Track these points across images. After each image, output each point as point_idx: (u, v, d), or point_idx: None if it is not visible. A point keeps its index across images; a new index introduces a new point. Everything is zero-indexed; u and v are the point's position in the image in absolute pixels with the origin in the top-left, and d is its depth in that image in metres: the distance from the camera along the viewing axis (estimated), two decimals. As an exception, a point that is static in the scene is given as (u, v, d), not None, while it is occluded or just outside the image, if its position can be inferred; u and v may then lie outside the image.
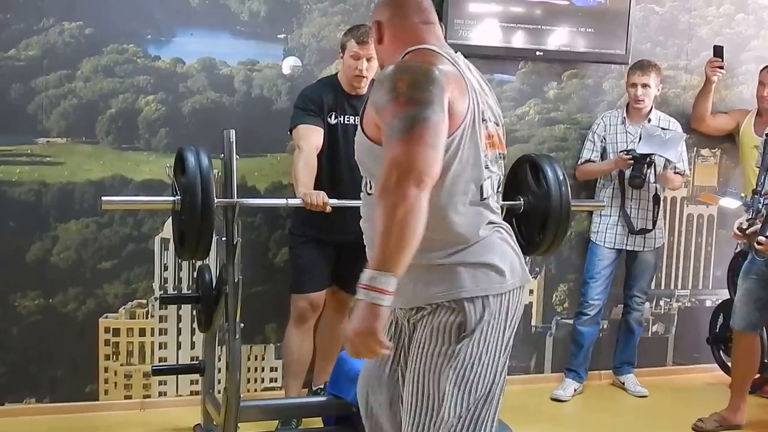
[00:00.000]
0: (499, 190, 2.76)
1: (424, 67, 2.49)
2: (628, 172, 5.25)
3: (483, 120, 2.60)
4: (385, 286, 2.29)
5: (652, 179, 5.32)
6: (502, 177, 2.76)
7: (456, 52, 2.69)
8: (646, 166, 5.19)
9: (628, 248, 5.45)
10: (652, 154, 5.18)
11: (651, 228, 5.39)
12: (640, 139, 5.25)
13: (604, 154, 5.43)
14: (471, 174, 2.57)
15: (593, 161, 5.43)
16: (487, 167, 2.60)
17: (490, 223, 2.66)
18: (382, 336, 2.33)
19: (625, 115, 5.40)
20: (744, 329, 4.78)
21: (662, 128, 5.33)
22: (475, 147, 2.56)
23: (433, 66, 2.50)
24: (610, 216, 5.41)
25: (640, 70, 5.28)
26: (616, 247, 5.44)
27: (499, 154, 2.72)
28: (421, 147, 2.32)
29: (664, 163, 5.33)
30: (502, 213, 4.08)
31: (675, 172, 5.37)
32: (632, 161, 5.17)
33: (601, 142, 5.42)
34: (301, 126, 4.40)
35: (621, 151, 5.24)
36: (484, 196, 2.61)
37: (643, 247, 5.44)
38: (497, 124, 2.72)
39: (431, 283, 2.61)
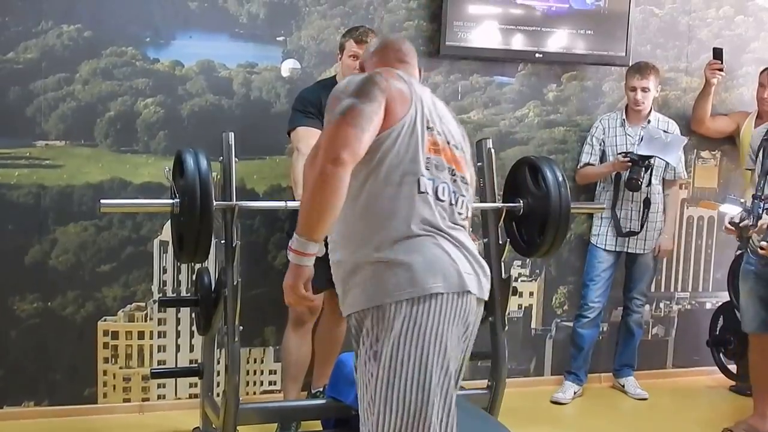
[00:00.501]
0: (460, 210, 2.86)
1: (371, 75, 2.78)
2: (625, 175, 5.25)
3: (428, 128, 2.78)
4: (306, 249, 2.67)
5: (647, 182, 5.31)
6: (464, 198, 2.89)
7: (424, 88, 2.96)
8: (643, 169, 5.18)
9: (629, 251, 5.44)
10: (651, 156, 5.17)
11: (638, 230, 5.37)
12: (641, 140, 5.24)
13: (603, 157, 5.41)
14: (408, 167, 2.71)
15: (592, 164, 5.41)
16: (428, 169, 2.74)
17: (430, 225, 2.73)
18: (303, 290, 2.76)
19: (624, 117, 5.39)
20: (756, 330, 4.73)
21: (664, 131, 5.32)
22: (414, 145, 2.73)
23: (380, 75, 2.77)
24: (611, 218, 5.40)
25: (639, 74, 5.27)
26: (616, 250, 5.43)
27: (453, 170, 2.85)
28: (348, 127, 2.59)
29: (664, 166, 5.33)
30: (500, 218, 4.09)
31: (673, 179, 5.39)
32: (630, 163, 5.16)
33: (600, 145, 5.41)
34: (299, 128, 4.40)
35: (619, 153, 5.23)
36: (422, 190, 2.72)
37: (644, 249, 5.43)
38: (456, 147, 2.90)
39: (359, 287, 2.78)
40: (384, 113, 2.68)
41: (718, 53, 5.56)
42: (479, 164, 4.35)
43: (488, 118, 5.43)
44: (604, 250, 5.44)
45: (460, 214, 2.84)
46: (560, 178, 4.10)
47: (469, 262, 2.80)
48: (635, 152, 5.18)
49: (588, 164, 5.43)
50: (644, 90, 5.27)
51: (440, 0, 5.12)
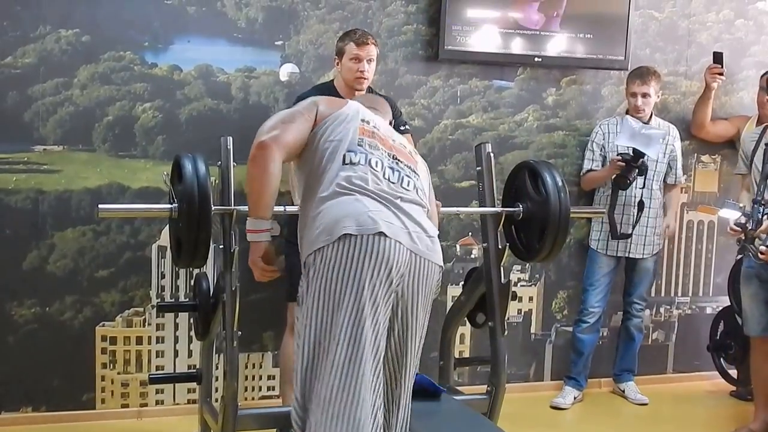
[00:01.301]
0: (406, 186, 3.18)
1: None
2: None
3: (363, 120, 3.19)
4: (257, 227, 3.16)
5: (641, 184, 5.29)
6: (411, 179, 3.22)
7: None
8: (636, 170, 5.14)
9: (630, 255, 5.42)
10: (644, 156, 5.11)
11: (630, 233, 5.34)
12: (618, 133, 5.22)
13: (605, 162, 5.39)
14: (337, 145, 3.09)
15: (595, 170, 5.39)
16: (360, 145, 3.11)
17: (351, 184, 3.02)
18: (263, 263, 3.27)
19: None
20: (761, 333, 4.71)
21: (644, 123, 5.28)
22: (346, 129, 3.12)
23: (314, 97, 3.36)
24: (610, 216, 5.37)
25: (640, 79, 5.25)
26: (616, 255, 5.42)
27: (393, 156, 3.22)
28: (274, 121, 3.14)
29: (666, 171, 5.32)
30: (500, 222, 4.09)
31: (674, 183, 5.38)
32: (623, 163, 5.13)
33: (601, 150, 5.39)
34: None
35: (615, 159, 5.20)
36: (346, 162, 3.06)
37: (643, 254, 5.41)
38: (403, 145, 3.33)
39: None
40: (316, 111, 3.17)
41: (718, 57, 5.55)
42: (478, 168, 4.34)
43: (487, 123, 5.42)
44: (605, 255, 5.42)
45: (406, 189, 3.14)
46: (560, 183, 4.08)
47: (397, 217, 3.01)
48: (622, 146, 5.18)
49: (591, 170, 5.40)
50: (645, 96, 5.25)
51: (439, 4, 5.11)
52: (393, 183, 3.11)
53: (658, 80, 5.31)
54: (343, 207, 2.96)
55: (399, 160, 3.20)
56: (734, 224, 4.44)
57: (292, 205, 4.25)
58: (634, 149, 5.06)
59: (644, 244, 5.39)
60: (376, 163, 3.10)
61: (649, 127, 5.23)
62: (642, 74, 5.27)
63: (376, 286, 2.90)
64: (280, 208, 4.05)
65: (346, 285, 2.88)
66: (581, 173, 5.48)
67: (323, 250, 2.91)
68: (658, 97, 5.37)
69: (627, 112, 5.37)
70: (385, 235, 2.91)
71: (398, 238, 2.94)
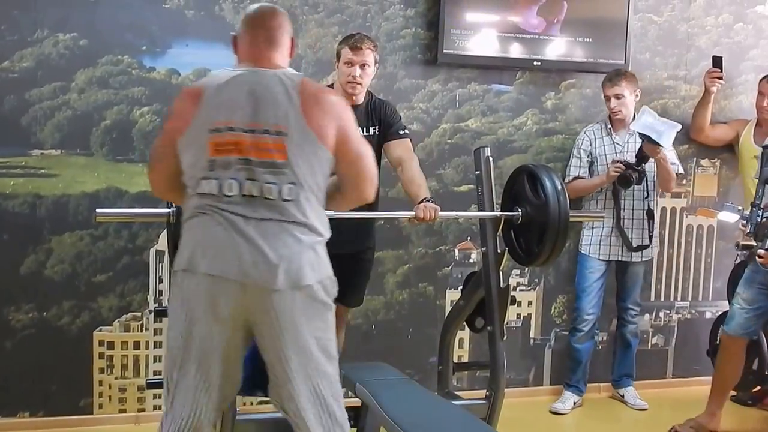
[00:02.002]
0: (268, 195, 2.98)
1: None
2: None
3: (212, 131, 2.97)
4: None
5: (645, 194, 5.29)
6: (272, 185, 2.98)
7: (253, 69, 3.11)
8: (637, 174, 5.12)
9: (623, 259, 5.40)
10: (645, 161, 5.10)
11: (648, 244, 5.34)
12: (634, 120, 5.16)
13: (591, 168, 5.37)
14: (192, 173, 3.02)
15: (582, 177, 5.36)
16: (213, 170, 2.97)
17: (201, 213, 3.00)
18: None
19: (610, 126, 5.36)
20: (740, 335, 4.74)
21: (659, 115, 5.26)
22: (194, 155, 3.00)
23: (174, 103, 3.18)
24: (603, 227, 5.36)
25: (610, 82, 5.24)
26: (608, 259, 5.40)
27: (248, 161, 2.97)
28: (150, 162, 3.30)
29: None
30: (499, 227, 4.08)
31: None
32: (624, 166, 5.10)
33: (588, 156, 5.37)
34: None
35: (615, 161, 5.19)
36: (199, 191, 3.00)
37: (639, 257, 5.40)
38: (266, 132, 2.99)
39: None
40: (170, 137, 3.06)
41: (717, 61, 5.54)
42: (477, 173, 4.33)
43: (486, 127, 5.41)
44: (597, 259, 5.40)
45: (267, 198, 2.96)
46: (559, 187, 4.07)
47: (236, 248, 2.94)
48: (632, 129, 5.15)
49: (578, 177, 5.36)
50: (618, 97, 5.23)
51: (437, 8, 5.11)
52: (250, 199, 2.98)
53: (632, 81, 5.27)
54: (191, 236, 3.03)
55: (258, 165, 2.98)
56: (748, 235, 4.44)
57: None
58: (645, 137, 5.01)
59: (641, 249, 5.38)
60: (229, 186, 2.97)
61: (665, 120, 5.17)
62: (612, 77, 5.24)
63: (202, 322, 2.99)
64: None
65: (178, 315, 3.06)
66: (566, 180, 5.35)
67: (176, 273, 3.08)
68: (637, 96, 5.33)
69: (609, 117, 5.34)
70: (211, 275, 2.95)
71: (226, 273, 2.93)
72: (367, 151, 3.15)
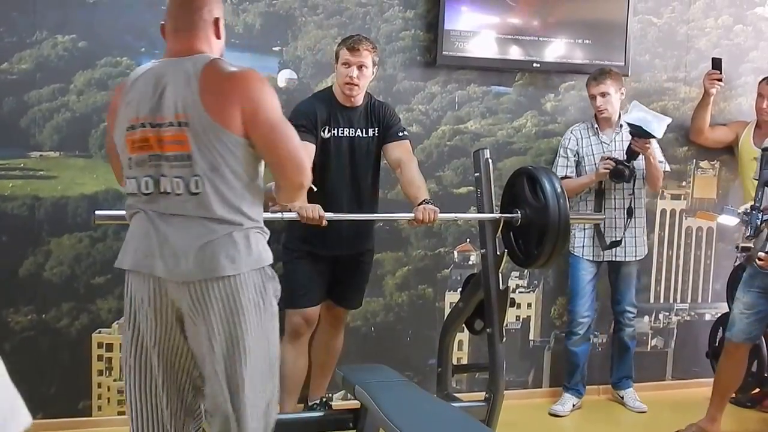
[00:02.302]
0: (177, 191, 2.89)
1: None
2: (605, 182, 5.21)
3: (128, 128, 2.92)
4: None
5: (630, 190, 5.27)
6: (179, 179, 2.88)
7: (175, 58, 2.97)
8: (627, 170, 5.11)
9: (617, 259, 5.38)
10: (635, 157, 5.09)
11: (619, 239, 5.30)
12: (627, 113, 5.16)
13: (578, 168, 5.36)
14: (122, 172, 3.01)
15: (569, 177, 5.32)
16: (131, 168, 2.95)
17: (134, 214, 2.99)
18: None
19: (597, 126, 5.34)
20: (744, 341, 4.73)
21: (613, 125, 5.29)
22: (122, 156, 2.98)
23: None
24: (593, 228, 5.35)
25: (595, 81, 5.21)
26: (603, 260, 5.39)
27: (156, 156, 2.90)
28: None
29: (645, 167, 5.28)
30: (498, 228, 4.08)
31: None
32: (614, 163, 5.09)
33: (575, 156, 5.35)
34: None
35: (604, 158, 5.17)
36: (128, 191, 2.98)
37: (624, 257, 5.38)
38: (170, 125, 2.87)
39: None
40: (109, 138, 3.08)
41: (716, 63, 5.54)
42: (476, 174, 4.33)
43: (486, 128, 5.41)
44: (589, 260, 5.38)
45: (177, 195, 2.88)
46: (558, 189, 4.08)
47: (154, 242, 2.90)
48: (624, 120, 5.15)
49: (565, 177, 5.29)
50: (603, 95, 5.21)
51: (437, 10, 5.10)
52: (164, 196, 2.91)
53: (617, 79, 5.23)
54: (127, 235, 3.03)
55: (166, 160, 2.89)
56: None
57: (290, 211, 4.24)
58: (637, 128, 5.00)
59: (634, 246, 5.37)
60: (145, 185, 2.92)
61: (656, 113, 5.15)
62: (596, 75, 5.22)
63: (145, 319, 2.97)
64: (278, 215, 4.05)
65: (125, 314, 3.07)
66: None
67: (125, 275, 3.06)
68: (622, 94, 5.30)
69: (595, 116, 5.33)
70: (134, 272, 2.96)
71: (150, 269, 2.91)
72: (285, 133, 2.93)
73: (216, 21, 3.01)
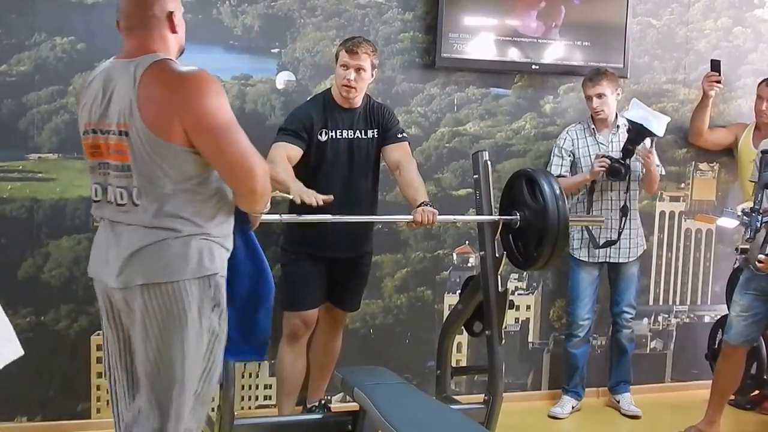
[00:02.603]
0: (120, 201, 2.85)
1: None
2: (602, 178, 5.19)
3: (84, 133, 2.89)
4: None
5: (624, 188, 5.25)
6: (122, 190, 2.84)
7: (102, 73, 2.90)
8: (623, 168, 5.09)
9: (611, 260, 5.36)
10: (630, 155, 5.08)
11: (616, 239, 5.28)
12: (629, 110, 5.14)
13: (573, 168, 5.34)
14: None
15: (564, 176, 5.29)
16: (92, 174, 2.93)
17: (99, 222, 3.00)
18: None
19: (593, 126, 5.32)
20: (741, 344, 4.74)
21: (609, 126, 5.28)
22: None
23: None
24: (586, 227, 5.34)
25: (590, 81, 5.18)
26: (598, 261, 5.36)
27: (105, 164, 2.87)
28: None
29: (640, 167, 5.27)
30: (497, 231, 4.09)
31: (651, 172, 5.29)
32: (609, 161, 5.07)
33: (569, 156, 5.34)
34: (274, 144, 4.36)
35: (599, 156, 5.12)
36: (93, 198, 2.96)
37: (628, 257, 5.35)
38: (115, 133, 2.79)
39: None
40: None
41: (715, 65, 5.54)
42: (475, 176, 4.34)
43: (484, 131, 5.40)
44: (588, 262, 5.37)
45: (120, 205, 2.84)
46: (557, 191, 4.08)
47: (106, 249, 2.89)
48: (625, 116, 5.13)
49: (560, 176, 5.25)
50: (599, 96, 5.18)
51: (436, 12, 5.10)
52: (111, 206, 2.90)
53: (613, 80, 5.20)
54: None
55: (111, 168, 2.85)
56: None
57: (288, 213, 4.25)
58: (637, 125, 4.99)
59: (628, 247, 5.34)
60: (95, 191, 2.93)
61: (656, 112, 5.14)
62: (592, 76, 5.19)
63: (102, 321, 3.04)
64: (276, 217, 4.05)
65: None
66: None
67: None
68: (618, 95, 5.28)
69: (592, 117, 5.31)
70: (94, 279, 3.00)
71: (100, 276, 2.94)
72: (231, 138, 2.77)
73: (170, 15, 2.89)
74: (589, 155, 5.26)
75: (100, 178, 2.88)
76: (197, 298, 2.81)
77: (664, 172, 5.42)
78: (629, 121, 5.05)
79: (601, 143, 5.28)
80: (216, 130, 2.74)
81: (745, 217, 4.37)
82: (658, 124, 5.01)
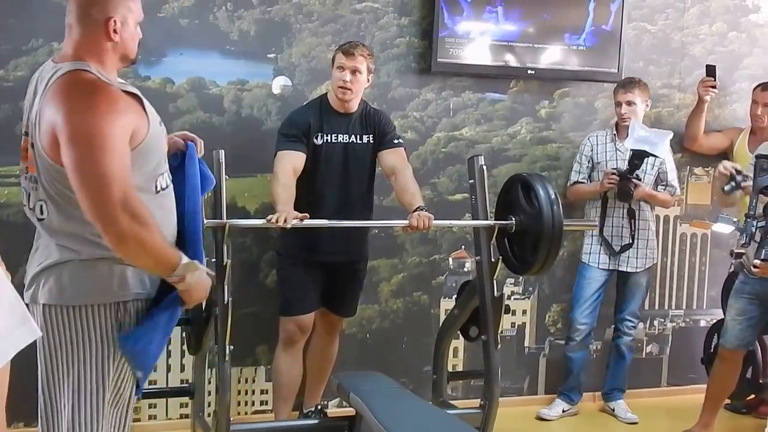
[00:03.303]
0: (39, 215, 2.71)
1: None
2: (613, 191, 5.21)
3: (25, 133, 2.70)
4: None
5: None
6: (41, 202, 2.69)
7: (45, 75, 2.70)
8: (632, 184, 5.12)
9: (621, 269, 5.39)
10: (639, 167, 5.09)
11: (631, 242, 5.31)
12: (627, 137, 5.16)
13: (594, 174, 5.37)
14: None
15: (581, 182, 5.37)
16: (21, 178, 2.76)
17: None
18: None
19: (615, 133, 5.35)
20: (737, 348, 4.76)
21: (648, 127, 5.27)
22: None
23: None
24: (601, 235, 5.36)
25: (623, 88, 5.24)
26: (609, 268, 5.38)
27: (26, 170, 2.73)
28: None
29: (655, 180, 5.29)
30: (492, 235, 4.10)
31: (665, 190, 5.33)
32: (618, 178, 5.11)
33: (588, 162, 5.36)
34: (279, 152, 4.37)
35: (608, 173, 5.18)
36: (24, 203, 2.79)
37: (636, 267, 5.37)
38: (27, 134, 2.69)
39: None
40: None
41: (711, 70, 5.55)
42: (471, 181, 4.34)
43: (480, 135, 5.41)
44: (597, 268, 5.38)
45: (40, 219, 2.71)
46: (553, 196, 4.09)
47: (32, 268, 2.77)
48: (620, 168, 5.16)
49: (577, 182, 5.38)
50: (629, 104, 5.22)
51: (432, 17, 5.11)
52: (30, 212, 2.77)
53: (644, 90, 5.27)
54: None
55: (29, 177, 2.72)
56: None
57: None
58: (640, 151, 5.01)
59: (637, 257, 5.36)
60: (28, 198, 2.76)
61: (653, 129, 5.17)
62: (625, 83, 5.26)
63: None
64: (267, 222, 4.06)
65: None
66: (568, 184, 5.44)
67: None
68: (647, 106, 5.34)
69: (617, 125, 5.35)
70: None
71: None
72: (89, 156, 2.48)
73: (107, 21, 2.66)
74: (606, 161, 5.29)
75: (25, 183, 2.74)
76: (98, 324, 2.68)
77: (678, 193, 5.48)
78: (632, 150, 5.06)
79: (620, 151, 5.28)
80: (73, 140, 2.49)
81: (739, 222, 4.39)
82: (661, 144, 5.02)
